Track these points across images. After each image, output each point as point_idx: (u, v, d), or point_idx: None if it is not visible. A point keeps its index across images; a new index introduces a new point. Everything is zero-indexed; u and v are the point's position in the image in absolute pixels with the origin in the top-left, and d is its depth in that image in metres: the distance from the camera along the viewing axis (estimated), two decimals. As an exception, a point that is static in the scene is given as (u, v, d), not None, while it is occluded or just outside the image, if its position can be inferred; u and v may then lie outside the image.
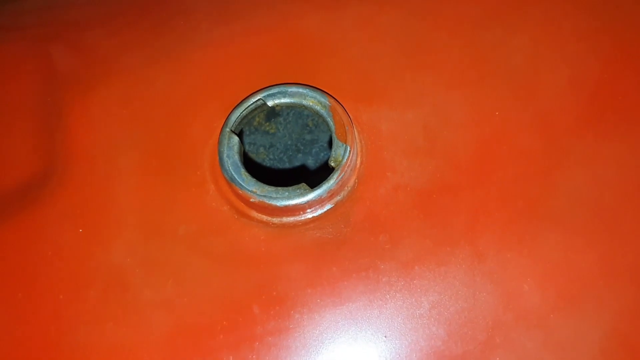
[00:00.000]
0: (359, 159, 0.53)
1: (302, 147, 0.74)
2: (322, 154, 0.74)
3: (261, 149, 0.74)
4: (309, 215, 0.52)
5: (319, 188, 0.51)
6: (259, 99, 0.54)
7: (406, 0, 0.58)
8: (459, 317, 0.49)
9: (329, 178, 0.51)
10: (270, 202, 0.51)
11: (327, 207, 0.52)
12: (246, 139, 0.73)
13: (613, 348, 0.49)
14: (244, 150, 0.58)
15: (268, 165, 0.73)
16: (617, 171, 0.51)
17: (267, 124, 0.75)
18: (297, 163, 0.74)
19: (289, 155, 0.74)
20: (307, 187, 0.51)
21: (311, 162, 0.74)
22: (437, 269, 0.49)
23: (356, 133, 0.53)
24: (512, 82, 0.54)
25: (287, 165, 0.74)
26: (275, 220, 0.52)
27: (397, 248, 0.50)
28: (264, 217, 0.52)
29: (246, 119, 0.55)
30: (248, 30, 0.59)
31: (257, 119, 0.74)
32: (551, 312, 0.48)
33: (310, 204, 0.51)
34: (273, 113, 0.75)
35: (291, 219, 0.52)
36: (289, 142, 0.75)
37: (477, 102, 0.54)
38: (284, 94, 0.55)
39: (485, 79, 0.54)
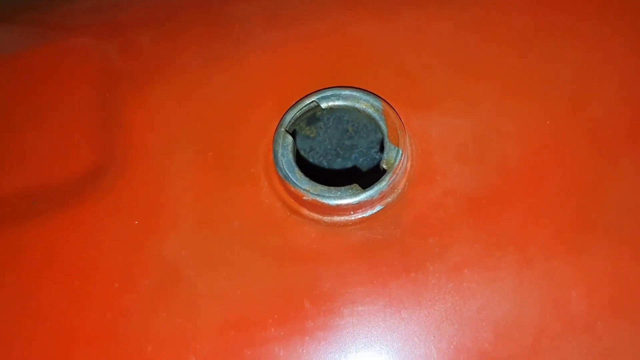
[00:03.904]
0: (409, 163, 0.54)
1: (341, 152, 0.75)
2: (361, 159, 0.75)
3: (301, 153, 0.75)
4: (359, 216, 0.53)
5: (370, 189, 0.52)
6: (313, 101, 0.56)
7: (460, 11, 0.59)
8: (506, 321, 0.49)
9: (380, 180, 0.52)
10: (322, 201, 0.52)
11: (378, 208, 0.53)
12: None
13: (659, 358, 0.49)
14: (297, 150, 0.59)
15: (321, 167, 0.73)
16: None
17: (308, 128, 0.76)
18: (336, 167, 0.75)
19: (328, 160, 0.75)
20: (359, 187, 0.52)
21: (349, 166, 0.75)
22: (485, 273, 0.50)
23: (407, 137, 0.54)
24: (563, 93, 0.55)
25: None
26: (326, 218, 0.53)
27: (447, 251, 0.51)
28: (316, 216, 0.54)
29: (299, 120, 0.56)
30: (303, 34, 0.60)
31: (298, 123, 0.75)
32: (598, 320, 0.49)
33: (361, 205, 0.52)
34: (314, 117, 0.76)
35: (342, 218, 0.53)
36: (329, 147, 0.76)
37: (528, 111, 0.55)
38: (338, 97, 0.56)
39: (536, 90, 0.55)
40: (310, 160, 0.75)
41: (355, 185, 0.52)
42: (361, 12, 0.60)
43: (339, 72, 0.58)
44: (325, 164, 0.75)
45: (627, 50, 0.56)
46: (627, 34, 0.57)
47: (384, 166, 0.53)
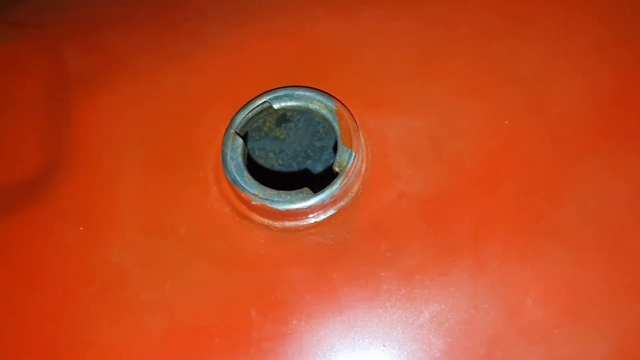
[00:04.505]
0: (363, 165, 0.53)
1: (311, 154, 0.74)
2: (331, 161, 0.73)
3: (270, 154, 0.73)
4: (312, 220, 0.52)
5: (321, 193, 0.50)
6: (264, 102, 0.54)
7: (419, 8, 0.57)
8: (459, 328, 0.48)
9: (332, 183, 0.50)
10: (271, 206, 0.50)
11: (330, 212, 0.52)
12: (256, 144, 0.72)
13: (617, 366, 0.47)
14: (249, 154, 0.58)
15: (277, 170, 0.72)
16: (626, 187, 0.50)
17: (277, 129, 0.74)
18: (304, 169, 0.74)
19: (298, 162, 0.74)
20: (310, 191, 0.50)
21: (320, 169, 0.73)
22: (438, 278, 0.49)
23: (362, 139, 0.53)
24: (524, 92, 0.53)
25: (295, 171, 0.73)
26: (277, 224, 0.52)
27: (399, 256, 0.49)
28: (266, 221, 0.52)
29: (252, 121, 0.55)
30: (258, 33, 0.59)
31: (267, 124, 0.74)
32: (554, 328, 0.47)
33: (312, 209, 0.51)
34: (284, 119, 0.74)
35: (293, 223, 0.52)
36: (299, 149, 0.74)
37: (486, 111, 0.53)
38: (291, 97, 0.54)
39: (495, 89, 0.54)
40: (280, 162, 0.74)
41: (306, 189, 0.51)
42: (318, 11, 0.59)
43: (294, 71, 0.57)
44: (295, 166, 0.74)
45: (589, 49, 0.54)
46: (589, 33, 0.55)
47: (337, 169, 0.51)
